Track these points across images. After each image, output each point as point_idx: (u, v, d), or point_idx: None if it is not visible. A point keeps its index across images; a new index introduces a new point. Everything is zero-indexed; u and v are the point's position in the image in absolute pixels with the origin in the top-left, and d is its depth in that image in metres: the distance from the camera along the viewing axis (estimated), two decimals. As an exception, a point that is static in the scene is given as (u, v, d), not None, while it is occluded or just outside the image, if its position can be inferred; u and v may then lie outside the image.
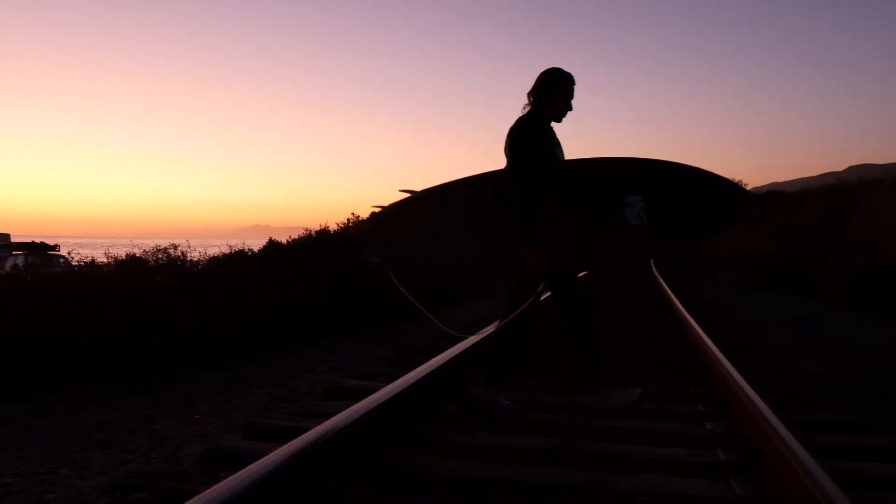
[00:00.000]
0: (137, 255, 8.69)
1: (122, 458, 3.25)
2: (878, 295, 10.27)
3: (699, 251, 22.81)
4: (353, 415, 2.77)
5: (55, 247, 18.55)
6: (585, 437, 3.28)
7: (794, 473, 2.32)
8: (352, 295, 9.63)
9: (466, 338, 4.33)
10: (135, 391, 5.76)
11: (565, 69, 3.63)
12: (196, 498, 1.85)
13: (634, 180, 3.62)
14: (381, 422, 2.98)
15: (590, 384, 3.78)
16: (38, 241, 19.26)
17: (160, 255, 9.01)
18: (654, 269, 18.05)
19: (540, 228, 3.41)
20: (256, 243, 11.11)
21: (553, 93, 3.56)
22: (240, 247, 10.28)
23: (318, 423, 2.67)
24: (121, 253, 8.77)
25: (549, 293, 3.84)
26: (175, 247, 9.41)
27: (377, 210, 3.98)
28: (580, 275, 3.80)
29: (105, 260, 8.53)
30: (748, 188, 29.92)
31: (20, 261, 16.22)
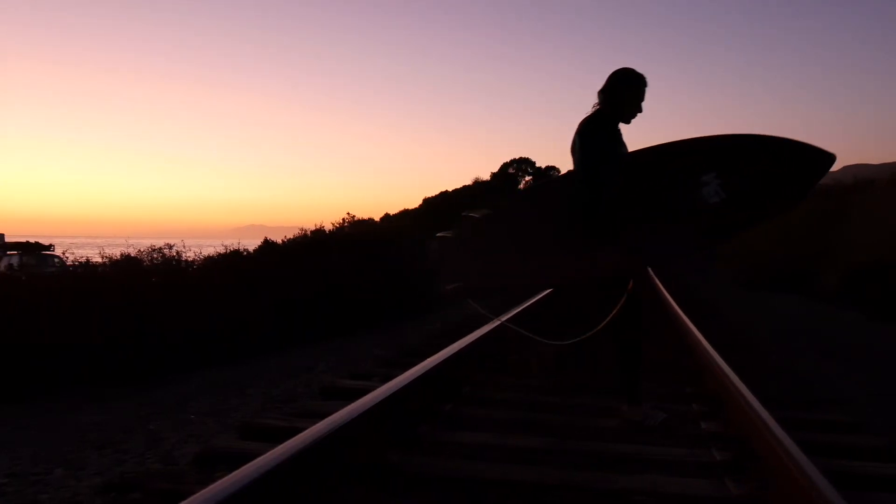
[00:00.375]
0: (132, 254, 8.67)
1: (118, 458, 3.24)
2: (873, 294, 10.30)
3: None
4: (350, 415, 2.76)
5: (50, 247, 18.47)
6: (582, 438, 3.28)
7: (789, 473, 2.33)
8: (349, 295, 9.62)
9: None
10: (134, 391, 5.75)
11: (638, 69, 3.51)
12: (191, 498, 1.85)
13: (700, 159, 3.41)
14: (377, 422, 2.98)
15: (630, 397, 3.63)
16: (32, 240, 19.17)
17: (155, 255, 8.99)
18: (649, 269, 18.02)
19: (613, 227, 3.29)
20: (251, 243, 11.08)
21: (623, 93, 3.47)
22: (235, 247, 10.26)
23: (314, 423, 2.66)
24: (116, 253, 8.74)
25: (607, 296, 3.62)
26: (170, 246, 9.38)
27: (472, 217, 3.84)
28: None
29: (100, 260, 8.51)
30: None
31: (15, 261, 16.15)
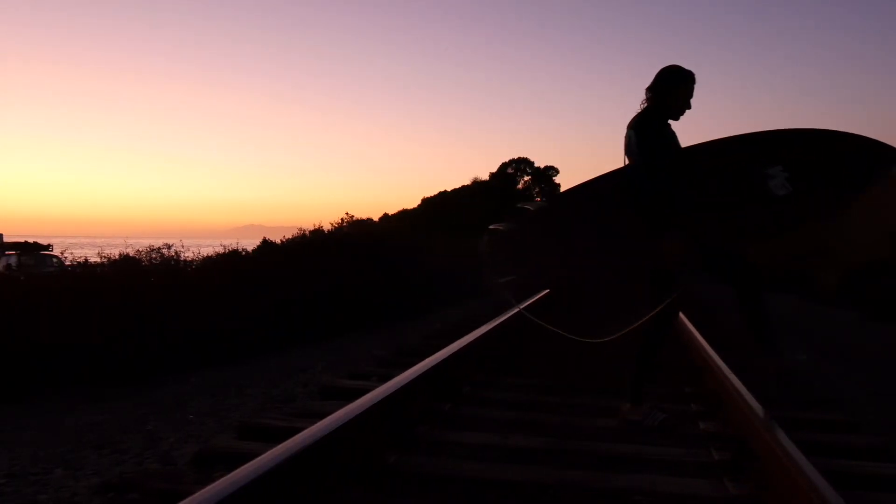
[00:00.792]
0: (131, 254, 8.67)
1: (116, 458, 3.24)
2: (871, 294, 10.31)
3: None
4: (348, 415, 2.76)
5: (48, 246, 18.46)
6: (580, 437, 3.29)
7: (787, 472, 2.33)
8: (349, 295, 9.62)
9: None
10: (133, 391, 5.75)
11: (686, 67, 3.48)
12: (189, 498, 1.84)
13: (766, 152, 3.41)
14: (375, 422, 2.98)
15: (632, 396, 3.61)
16: (30, 240, 19.15)
17: (154, 255, 8.99)
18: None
19: (674, 217, 3.27)
20: (250, 243, 11.08)
21: (672, 90, 3.45)
22: (233, 246, 10.26)
23: (313, 423, 2.66)
24: (114, 253, 8.74)
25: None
26: (168, 246, 9.38)
27: (527, 208, 3.82)
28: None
29: (98, 260, 8.51)
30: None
31: (13, 261, 16.14)
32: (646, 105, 3.51)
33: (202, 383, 5.76)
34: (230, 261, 9.63)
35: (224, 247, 10.24)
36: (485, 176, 45.80)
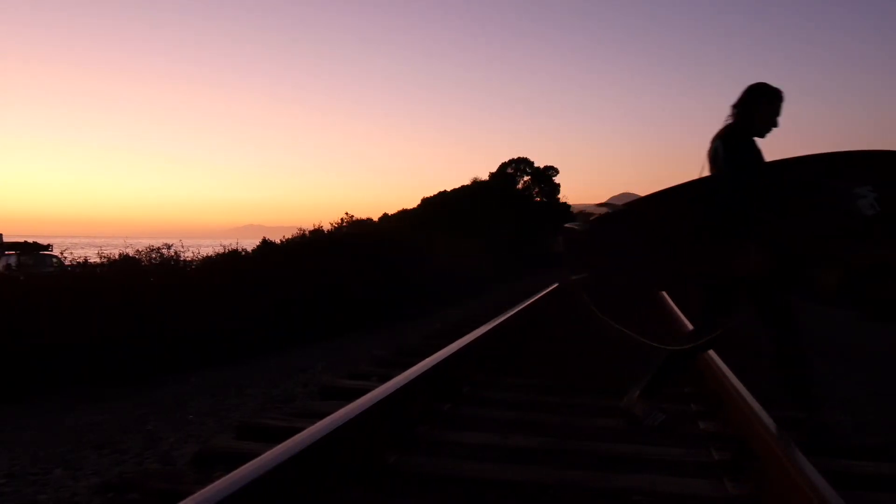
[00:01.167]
0: (131, 254, 8.67)
1: (116, 458, 3.24)
2: (869, 294, 10.30)
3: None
4: (348, 415, 2.76)
5: (48, 247, 18.44)
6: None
7: (787, 472, 2.33)
8: (349, 295, 9.62)
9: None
10: (133, 391, 5.75)
11: (772, 84, 3.47)
12: (189, 498, 1.84)
13: (856, 172, 3.40)
14: (375, 422, 2.98)
15: (646, 389, 3.58)
16: (30, 240, 19.14)
17: (153, 255, 8.99)
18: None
19: (755, 228, 3.25)
20: (250, 243, 11.09)
21: (758, 108, 3.44)
22: (233, 246, 10.26)
23: (313, 423, 2.66)
24: (114, 253, 8.75)
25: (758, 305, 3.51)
26: (168, 246, 9.38)
27: (603, 210, 3.81)
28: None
29: (98, 260, 8.51)
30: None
31: (13, 261, 16.13)
32: (731, 122, 3.48)
33: (202, 383, 5.76)
34: (230, 261, 9.63)
35: (224, 247, 10.23)
36: (484, 176, 45.76)
